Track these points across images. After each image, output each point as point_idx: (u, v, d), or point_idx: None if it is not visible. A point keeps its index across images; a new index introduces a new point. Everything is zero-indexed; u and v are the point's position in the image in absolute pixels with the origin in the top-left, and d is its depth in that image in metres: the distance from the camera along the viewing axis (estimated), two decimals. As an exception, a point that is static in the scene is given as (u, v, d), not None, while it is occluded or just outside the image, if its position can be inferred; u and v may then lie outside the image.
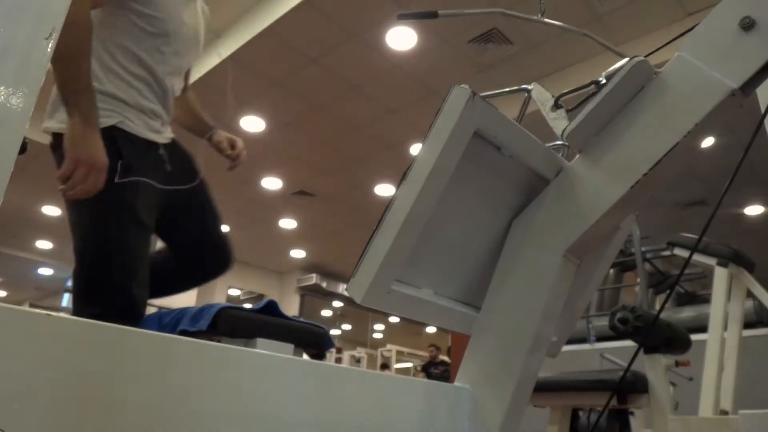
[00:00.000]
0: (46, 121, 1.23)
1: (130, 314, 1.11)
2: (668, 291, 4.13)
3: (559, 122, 0.98)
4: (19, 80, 0.48)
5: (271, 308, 1.29)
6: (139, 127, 1.23)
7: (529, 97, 1.06)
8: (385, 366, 9.41)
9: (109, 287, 1.11)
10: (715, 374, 2.39)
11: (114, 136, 1.16)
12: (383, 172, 6.02)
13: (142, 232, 1.18)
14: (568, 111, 0.98)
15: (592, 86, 0.85)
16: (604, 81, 0.82)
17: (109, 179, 1.09)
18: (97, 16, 1.22)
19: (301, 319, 1.33)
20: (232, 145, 1.48)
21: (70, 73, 1.05)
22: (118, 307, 1.10)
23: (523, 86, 1.08)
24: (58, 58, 0.97)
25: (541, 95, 1.02)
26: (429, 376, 6.95)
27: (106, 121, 1.16)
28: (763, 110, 1.01)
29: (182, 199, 1.32)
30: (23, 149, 0.49)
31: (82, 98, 1.07)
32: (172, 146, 1.35)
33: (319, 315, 10.97)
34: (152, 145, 1.27)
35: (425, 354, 10.49)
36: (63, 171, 1.04)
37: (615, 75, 0.78)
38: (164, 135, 1.33)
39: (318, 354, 1.39)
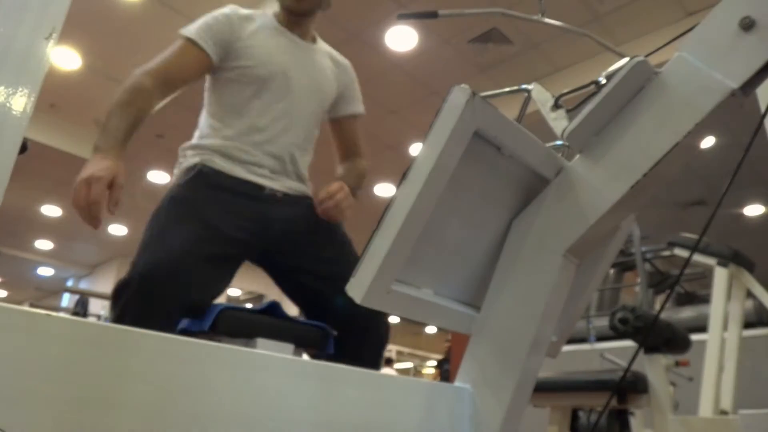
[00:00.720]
0: None
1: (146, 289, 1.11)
2: (668, 291, 4.13)
3: (559, 122, 0.98)
4: (19, 80, 0.48)
5: (274, 309, 1.29)
6: (226, 164, 1.31)
7: (529, 97, 1.06)
8: (390, 361, 9.38)
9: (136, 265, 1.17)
10: (715, 374, 2.39)
11: (200, 171, 1.30)
12: (383, 172, 6.01)
13: (186, 231, 1.21)
14: (568, 111, 0.98)
15: (592, 86, 0.85)
16: (604, 81, 0.82)
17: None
18: (208, 82, 1.41)
19: (302, 320, 1.33)
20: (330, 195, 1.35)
21: (106, 116, 1.19)
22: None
23: (523, 86, 1.08)
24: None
25: (541, 95, 1.02)
26: (443, 371, 6.84)
27: (191, 160, 1.33)
28: (763, 110, 1.01)
29: (317, 265, 1.33)
30: (23, 149, 0.49)
31: (101, 135, 1.17)
32: (295, 200, 1.38)
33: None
34: (246, 183, 1.31)
35: (425, 354, 10.49)
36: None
37: (615, 75, 0.78)
38: (274, 181, 1.35)
39: (318, 354, 1.39)
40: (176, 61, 1.30)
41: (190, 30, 1.33)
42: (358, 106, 1.56)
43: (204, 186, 1.29)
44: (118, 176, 1.09)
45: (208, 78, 1.40)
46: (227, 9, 1.38)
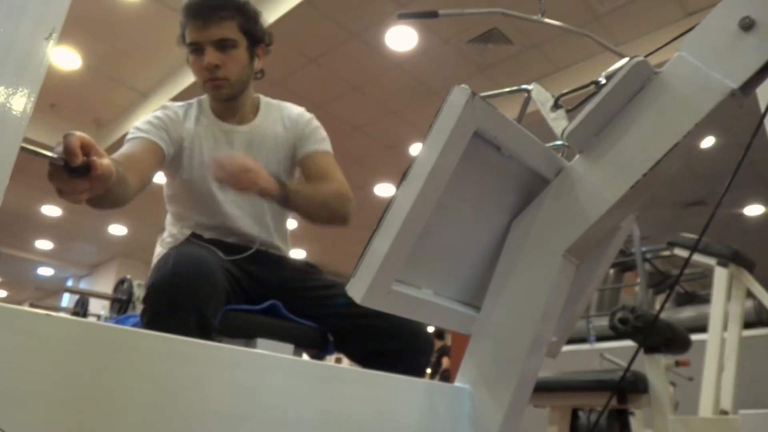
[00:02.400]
0: None
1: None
2: (668, 291, 4.13)
3: (559, 122, 0.98)
4: (19, 80, 0.48)
5: (274, 309, 1.29)
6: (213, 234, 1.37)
7: (529, 97, 1.06)
8: None
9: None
10: (715, 374, 2.39)
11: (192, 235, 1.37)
12: (383, 172, 6.02)
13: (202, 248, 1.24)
14: (568, 111, 0.98)
15: (592, 86, 0.85)
16: (604, 81, 0.82)
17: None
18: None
19: (302, 320, 1.33)
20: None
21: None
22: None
23: (523, 86, 1.08)
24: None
25: (541, 95, 1.02)
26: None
27: (179, 237, 1.38)
28: (763, 110, 1.01)
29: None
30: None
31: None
32: (263, 255, 1.38)
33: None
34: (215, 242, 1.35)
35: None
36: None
37: (615, 75, 0.78)
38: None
39: (318, 354, 1.39)
40: (136, 160, 1.26)
41: (137, 129, 1.32)
42: (317, 145, 1.44)
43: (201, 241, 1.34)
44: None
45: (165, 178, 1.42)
46: (161, 110, 1.37)
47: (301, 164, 1.45)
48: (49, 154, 0.73)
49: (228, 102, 1.38)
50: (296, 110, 1.50)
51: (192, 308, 1.04)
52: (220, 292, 1.12)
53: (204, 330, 1.04)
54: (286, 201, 1.25)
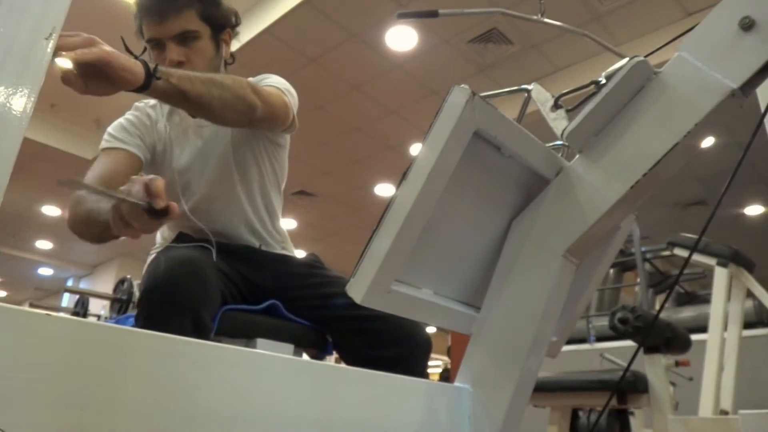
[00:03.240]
0: None
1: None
2: (668, 291, 4.13)
3: (559, 122, 0.98)
4: (19, 80, 0.48)
5: (274, 309, 1.29)
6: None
7: (529, 97, 1.06)
8: None
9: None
10: (715, 374, 2.40)
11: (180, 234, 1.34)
12: (383, 172, 6.02)
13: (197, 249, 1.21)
14: (568, 111, 0.98)
15: (592, 86, 0.85)
16: (604, 81, 0.82)
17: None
18: None
19: (302, 320, 1.33)
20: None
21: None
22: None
23: (523, 86, 1.08)
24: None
25: (541, 95, 1.02)
26: None
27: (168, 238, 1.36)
28: (762, 110, 1.01)
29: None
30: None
31: None
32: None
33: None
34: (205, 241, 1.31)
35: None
36: None
37: (615, 75, 0.78)
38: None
39: (318, 354, 1.39)
40: (112, 169, 1.24)
41: (108, 140, 1.30)
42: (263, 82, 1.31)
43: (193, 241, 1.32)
44: None
45: None
46: (133, 111, 1.35)
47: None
48: (133, 199, 0.74)
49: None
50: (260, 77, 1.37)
51: (186, 310, 1.03)
52: (214, 292, 1.11)
53: (200, 331, 1.03)
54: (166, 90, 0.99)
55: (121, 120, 1.34)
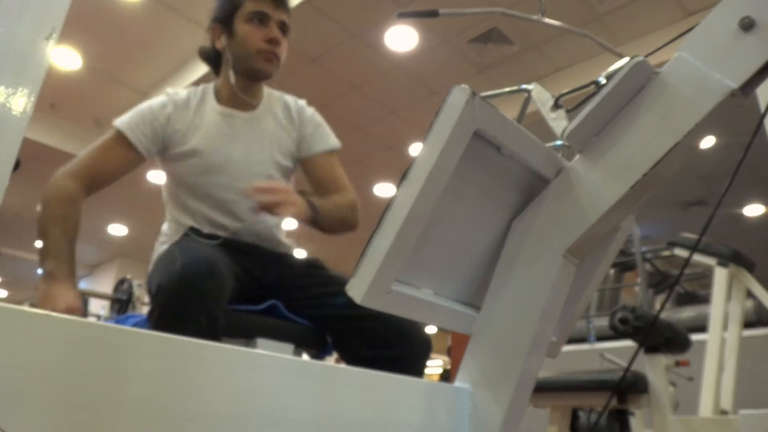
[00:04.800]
0: None
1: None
2: (668, 291, 4.13)
3: (559, 122, 0.98)
4: (19, 80, 0.48)
5: (274, 309, 1.29)
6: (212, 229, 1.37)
7: (529, 98, 1.06)
8: None
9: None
10: (715, 374, 2.40)
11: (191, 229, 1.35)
12: (383, 172, 6.02)
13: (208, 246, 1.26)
14: (568, 111, 0.98)
15: (592, 86, 0.85)
16: (604, 81, 0.82)
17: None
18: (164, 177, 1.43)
19: (302, 320, 1.33)
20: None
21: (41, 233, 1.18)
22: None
23: (523, 86, 1.08)
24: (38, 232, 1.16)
25: (541, 95, 1.02)
26: None
27: (179, 231, 1.37)
28: (762, 110, 1.01)
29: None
30: (16, 166, 0.49)
31: (48, 260, 1.14)
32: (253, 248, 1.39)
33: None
34: (214, 237, 1.34)
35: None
36: None
37: (615, 75, 0.78)
38: (233, 233, 1.38)
39: (318, 354, 1.39)
40: (104, 157, 1.31)
41: (123, 121, 1.33)
42: (325, 143, 1.48)
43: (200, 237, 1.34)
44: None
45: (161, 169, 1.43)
46: (164, 97, 1.40)
47: (308, 165, 1.47)
48: None
49: (260, 81, 1.41)
50: (299, 103, 1.51)
51: (203, 309, 1.03)
52: (227, 292, 1.12)
53: (214, 331, 1.03)
54: (314, 221, 1.26)
55: (148, 105, 1.38)
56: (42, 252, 1.16)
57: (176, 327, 0.98)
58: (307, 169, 1.48)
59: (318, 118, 1.51)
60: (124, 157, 1.31)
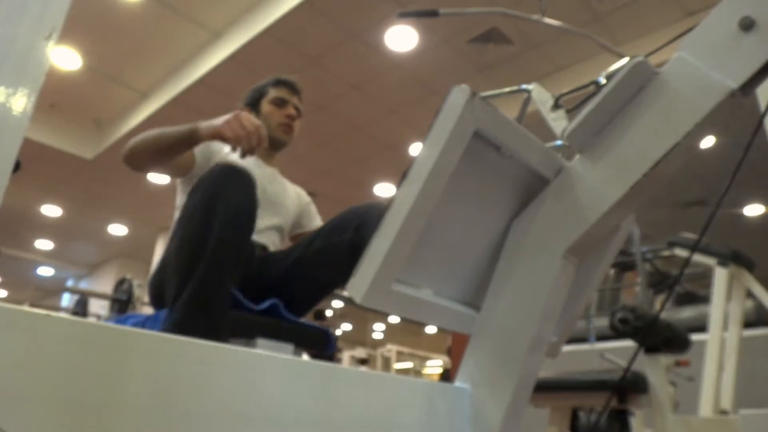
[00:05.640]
0: None
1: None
2: (668, 291, 4.13)
3: (559, 122, 0.98)
4: (19, 80, 0.48)
5: (274, 309, 1.29)
6: None
7: (529, 97, 1.06)
8: (364, 361, 9.32)
9: None
10: (715, 374, 2.40)
11: None
12: (383, 172, 6.02)
13: None
14: (568, 111, 0.98)
15: (592, 86, 0.85)
16: (604, 81, 0.82)
17: None
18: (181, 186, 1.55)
19: (302, 320, 1.33)
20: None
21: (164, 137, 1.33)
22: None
23: (523, 86, 1.08)
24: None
25: (541, 95, 1.02)
26: None
27: None
28: (762, 110, 1.01)
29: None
30: (16, 168, 0.49)
31: (181, 130, 1.31)
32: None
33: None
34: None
35: (425, 354, 10.47)
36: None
37: (615, 75, 0.78)
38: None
39: (318, 354, 1.39)
40: None
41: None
42: (318, 222, 1.76)
43: None
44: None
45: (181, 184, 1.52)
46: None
47: (298, 234, 1.73)
48: None
49: (278, 149, 1.70)
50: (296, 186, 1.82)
51: (245, 179, 1.18)
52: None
53: (251, 207, 1.18)
54: None
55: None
56: (169, 137, 1.31)
57: (222, 194, 1.13)
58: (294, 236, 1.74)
59: (310, 200, 1.81)
60: (184, 157, 1.43)
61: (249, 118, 1.23)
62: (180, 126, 1.31)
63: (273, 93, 1.70)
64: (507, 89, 1.12)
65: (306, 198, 1.81)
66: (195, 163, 1.45)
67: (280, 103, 1.68)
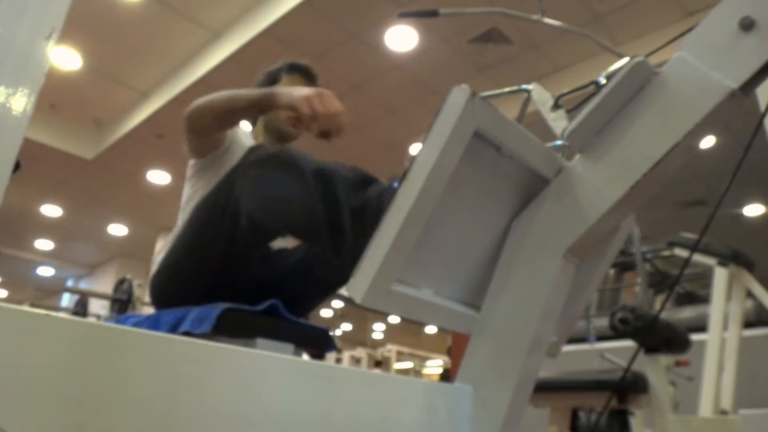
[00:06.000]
0: None
1: None
2: (668, 291, 4.13)
3: (559, 122, 0.98)
4: (19, 80, 0.48)
5: (274, 309, 1.29)
6: None
7: (529, 98, 1.06)
8: (379, 363, 9.36)
9: None
10: (715, 374, 2.40)
11: None
12: (383, 172, 6.01)
13: None
14: (568, 111, 0.98)
15: (592, 86, 0.85)
16: (604, 81, 0.82)
17: None
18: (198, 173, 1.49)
19: (302, 320, 1.33)
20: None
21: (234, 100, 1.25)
22: None
23: (523, 86, 1.08)
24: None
25: (541, 95, 1.02)
26: None
27: None
28: (762, 110, 1.01)
29: None
30: (16, 167, 0.49)
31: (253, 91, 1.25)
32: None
33: (319, 315, 10.98)
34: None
35: (425, 354, 10.47)
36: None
37: (615, 75, 0.78)
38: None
39: (318, 354, 1.39)
40: None
41: None
42: None
43: None
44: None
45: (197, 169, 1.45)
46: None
47: None
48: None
49: (286, 142, 1.58)
50: None
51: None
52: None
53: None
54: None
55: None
56: (242, 99, 1.23)
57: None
58: None
59: None
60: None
61: (332, 100, 1.16)
62: (252, 89, 1.26)
63: (286, 80, 1.60)
64: (507, 89, 1.12)
65: None
66: (224, 143, 1.40)
67: None
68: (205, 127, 1.32)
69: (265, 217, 1.13)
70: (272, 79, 1.58)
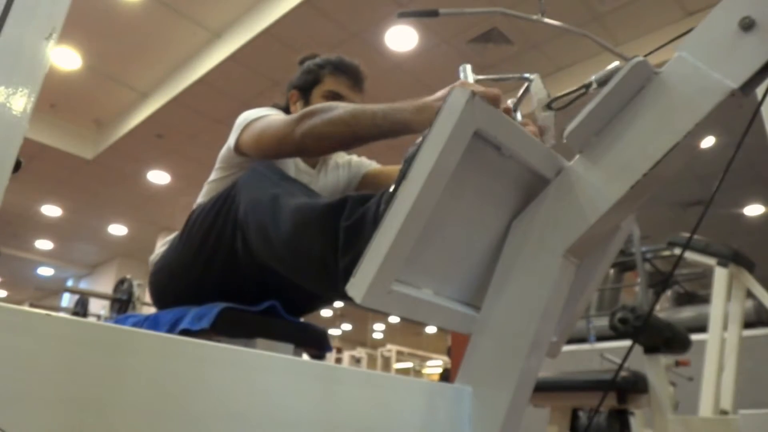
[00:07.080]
0: None
1: None
2: (665, 289, 4.13)
3: (546, 122, 0.97)
4: (19, 80, 0.48)
5: (274, 309, 1.29)
6: None
7: (529, 86, 1.05)
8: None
9: None
10: (715, 374, 2.40)
11: None
12: (383, 172, 6.01)
13: None
14: (558, 109, 0.98)
15: (583, 90, 0.85)
16: (595, 85, 0.83)
17: None
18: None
19: (302, 320, 1.33)
20: None
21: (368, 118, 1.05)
22: None
23: (525, 75, 1.06)
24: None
25: (539, 91, 1.02)
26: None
27: None
28: (758, 103, 1.01)
29: None
30: (17, 167, 0.49)
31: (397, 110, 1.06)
32: None
33: (319, 315, 10.98)
34: None
35: (425, 354, 10.47)
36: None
37: (615, 75, 0.78)
38: None
39: (318, 354, 1.39)
40: None
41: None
42: (368, 165, 1.58)
43: None
44: None
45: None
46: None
47: (366, 179, 1.56)
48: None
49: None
50: (346, 157, 1.57)
51: None
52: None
53: None
54: None
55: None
56: (377, 125, 1.05)
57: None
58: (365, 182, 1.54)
59: (355, 158, 1.58)
60: None
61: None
62: (382, 107, 1.05)
63: (329, 83, 1.39)
64: (508, 75, 1.11)
65: (354, 162, 1.56)
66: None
67: (334, 98, 1.36)
68: (320, 152, 1.19)
69: (258, 250, 1.08)
70: (313, 78, 1.41)
